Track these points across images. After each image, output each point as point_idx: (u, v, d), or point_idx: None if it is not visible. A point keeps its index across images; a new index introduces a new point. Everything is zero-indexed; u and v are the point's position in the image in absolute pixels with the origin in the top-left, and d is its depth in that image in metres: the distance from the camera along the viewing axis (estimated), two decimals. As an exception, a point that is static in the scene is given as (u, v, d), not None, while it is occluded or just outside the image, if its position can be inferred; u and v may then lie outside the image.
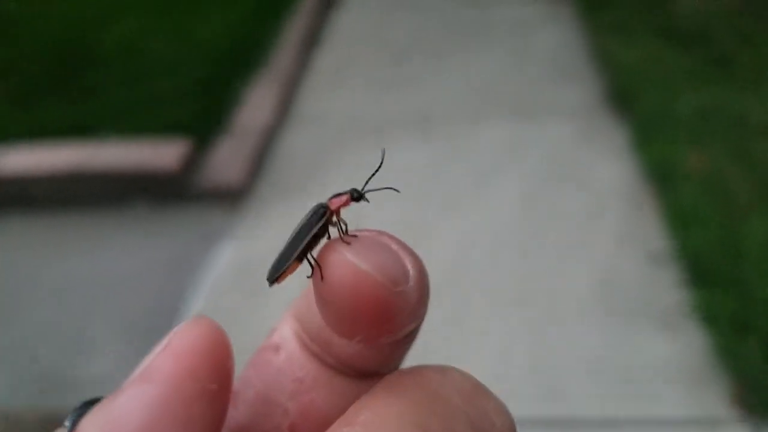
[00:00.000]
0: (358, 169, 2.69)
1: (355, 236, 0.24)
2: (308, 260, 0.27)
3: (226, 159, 2.68)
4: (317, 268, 0.24)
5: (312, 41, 3.61)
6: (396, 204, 2.43)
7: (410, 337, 0.25)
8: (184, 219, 2.54)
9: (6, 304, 2.27)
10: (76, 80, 3.19)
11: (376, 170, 0.32)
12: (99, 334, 2.18)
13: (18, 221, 2.65)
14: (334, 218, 0.28)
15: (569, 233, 2.19)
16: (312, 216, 0.28)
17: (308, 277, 0.25)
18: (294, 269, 0.28)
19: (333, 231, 0.28)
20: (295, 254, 0.27)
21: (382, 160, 0.34)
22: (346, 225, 0.27)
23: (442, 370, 0.24)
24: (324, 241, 0.27)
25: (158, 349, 0.23)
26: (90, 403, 0.23)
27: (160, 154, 2.62)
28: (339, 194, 0.29)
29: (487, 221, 2.30)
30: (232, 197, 2.56)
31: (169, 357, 0.23)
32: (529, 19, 3.73)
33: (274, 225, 2.40)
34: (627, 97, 2.78)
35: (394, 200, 2.30)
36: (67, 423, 0.23)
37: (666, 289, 1.91)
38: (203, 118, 2.87)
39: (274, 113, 2.97)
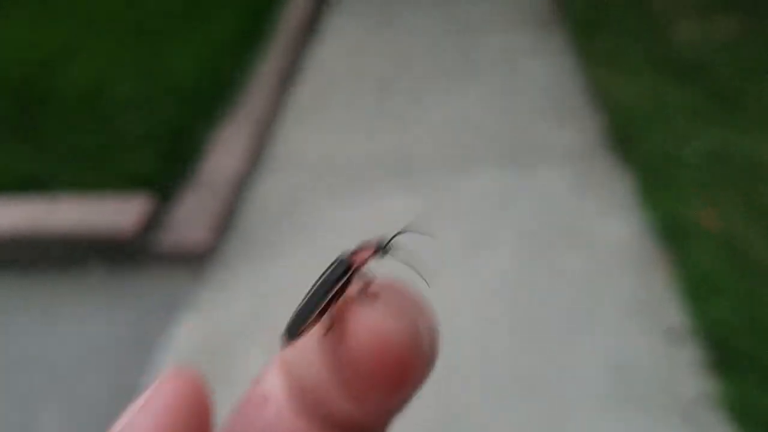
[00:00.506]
0: (333, 222, 2.48)
1: (377, 293, 0.24)
2: (331, 319, 0.25)
3: (191, 215, 2.42)
4: (339, 327, 0.23)
5: (288, 75, 3.36)
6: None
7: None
8: (143, 286, 2.28)
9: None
10: (32, 126, 2.92)
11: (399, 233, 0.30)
12: (48, 424, 1.92)
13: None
14: (357, 273, 0.27)
15: (572, 303, 1.97)
16: (334, 270, 0.27)
17: (323, 335, 0.24)
18: (312, 327, 0.26)
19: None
20: (316, 311, 0.26)
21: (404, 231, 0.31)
22: (369, 281, 0.25)
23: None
24: (344, 297, 0.26)
25: (137, 405, 0.22)
26: None
27: (119, 212, 2.36)
28: (363, 247, 0.28)
29: (477, 290, 2.07)
30: (196, 260, 2.31)
31: (147, 415, 0.22)
32: (517, 47, 3.52)
33: (240, 293, 2.16)
34: (627, 139, 2.57)
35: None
36: None
37: (687, 373, 1.69)
38: (167, 167, 2.61)
39: (244, 159, 2.72)
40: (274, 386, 0.26)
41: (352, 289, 0.26)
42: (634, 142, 2.53)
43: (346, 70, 3.47)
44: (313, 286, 0.27)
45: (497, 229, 2.30)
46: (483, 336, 1.91)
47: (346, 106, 3.15)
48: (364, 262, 0.28)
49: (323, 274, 0.27)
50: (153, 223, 2.37)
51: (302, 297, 0.27)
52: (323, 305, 0.26)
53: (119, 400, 1.90)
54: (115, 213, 2.36)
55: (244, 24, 3.69)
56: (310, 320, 0.26)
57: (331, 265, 0.28)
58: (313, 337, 0.24)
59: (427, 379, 0.24)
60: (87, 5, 4.05)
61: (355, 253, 0.28)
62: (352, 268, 0.27)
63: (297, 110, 3.15)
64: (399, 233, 0.30)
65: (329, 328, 0.24)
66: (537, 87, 3.13)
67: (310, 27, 3.90)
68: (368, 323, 0.22)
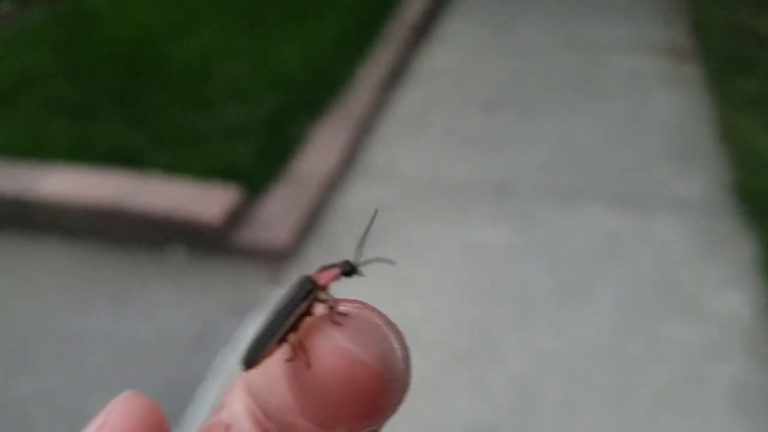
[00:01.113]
0: (416, 244, 2.35)
1: (345, 315, 0.23)
2: (289, 342, 0.24)
3: (276, 214, 2.37)
4: (303, 353, 0.22)
5: (392, 81, 3.25)
6: (454, 300, 2.06)
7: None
8: (220, 279, 2.25)
9: (7, 356, 2.04)
10: (134, 100, 2.98)
11: (365, 234, 0.29)
12: (96, 410, 1.92)
13: (47, 250, 2.44)
14: (322, 294, 0.25)
15: (669, 381, 1.75)
16: (297, 291, 0.25)
17: (287, 361, 0.23)
18: (273, 352, 0.24)
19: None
20: (277, 335, 0.24)
21: (371, 223, 0.31)
22: (334, 302, 0.24)
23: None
24: (308, 319, 0.24)
25: (92, 427, 0.22)
26: None
27: (205, 200, 2.35)
28: (327, 266, 0.27)
29: (563, 345, 1.88)
30: (276, 260, 2.25)
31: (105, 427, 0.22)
32: (644, 76, 3.23)
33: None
34: (761, 198, 2.27)
35: (455, 292, 1.91)
36: None
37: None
38: (260, 161, 2.57)
39: (337, 163, 2.63)
40: (236, 413, 0.25)
41: (317, 311, 0.24)
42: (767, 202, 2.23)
43: (453, 80, 3.31)
44: (276, 306, 0.26)
45: (597, 279, 2.09)
46: (566, 396, 1.74)
47: (447, 120, 2.99)
48: (329, 282, 0.26)
49: (285, 294, 0.26)
50: (238, 216, 2.33)
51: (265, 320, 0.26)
52: (284, 330, 0.24)
53: (173, 396, 1.87)
54: (201, 200, 2.34)
55: (355, 23, 3.61)
56: (269, 345, 0.25)
57: (293, 286, 0.26)
58: (277, 361, 0.23)
59: (399, 405, 0.22)
60: None
61: (319, 272, 0.26)
62: (316, 289, 0.26)
63: (397, 119, 3.03)
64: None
65: (294, 353, 0.23)
66: (662, 123, 2.85)
67: (422, 31, 3.76)
68: (334, 348, 0.22)
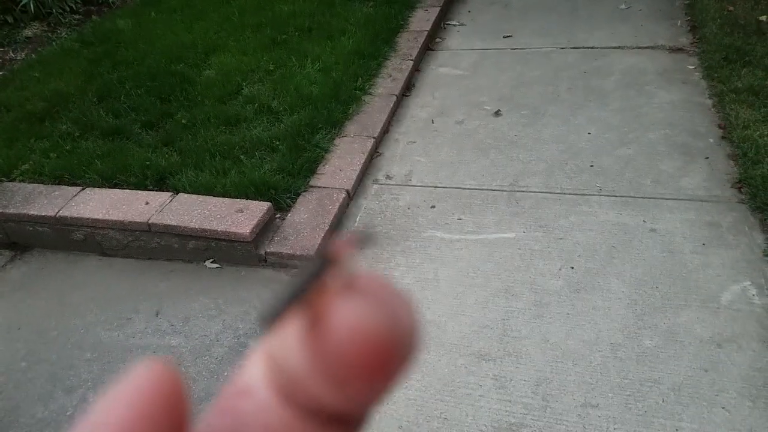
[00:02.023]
0: (435, 250, 2.45)
1: (357, 282, 0.24)
2: (311, 307, 0.24)
3: (303, 224, 2.49)
4: (319, 317, 0.23)
5: (405, 91, 3.37)
6: (474, 300, 2.16)
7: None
8: (252, 290, 2.37)
9: (50, 374, 2.16)
10: (166, 118, 3.10)
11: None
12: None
13: (86, 268, 2.57)
14: (339, 263, 0.25)
15: (685, 374, 1.84)
16: (315, 260, 0.26)
17: (305, 327, 0.23)
18: (291, 314, 0.25)
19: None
20: (295, 299, 0.25)
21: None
22: (349, 272, 0.25)
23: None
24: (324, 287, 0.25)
25: (110, 397, 0.22)
26: None
27: (236, 215, 2.46)
28: (345, 236, 0.27)
29: (578, 342, 1.98)
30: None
31: (121, 403, 0.22)
32: (645, 73, 3.33)
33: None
34: (764, 189, 2.37)
35: (474, 292, 2.00)
36: None
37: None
38: (287, 173, 2.69)
39: (359, 173, 2.75)
40: (255, 376, 0.26)
41: (333, 281, 0.26)
42: (773, 195, 2.33)
43: (461, 89, 3.42)
44: (297, 275, 0.27)
45: (609, 276, 2.19)
46: (586, 393, 1.84)
47: (458, 128, 3.10)
48: (345, 254, 0.27)
49: (306, 265, 0.27)
50: (267, 229, 2.46)
51: None
52: (301, 295, 0.26)
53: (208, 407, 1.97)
54: (232, 215, 2.46)
55: (368, 38, 3.73)
56: (286, 310, 0.26)
57: (314, 257, 0.27)
58: (295, 327, 0.24)
59: (409, 368, 0.24)
60: (234, 16, 4.24)
61: (336, 245, 0.27)
62: (332, 260, 0.27)
63: (412, 128, 3.14)
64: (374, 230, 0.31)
65: (310, 321, 0.24)
66: (666, 119, 2.94)
67: (431, 43, 3.89)
68: (350, 311, 0.23)
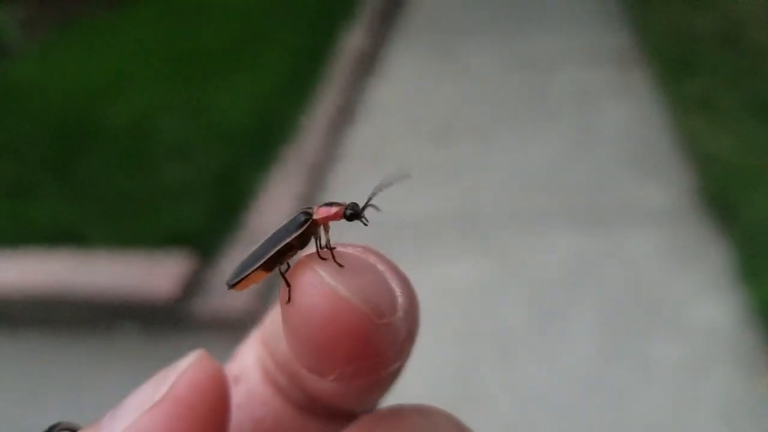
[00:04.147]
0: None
1: (333, 251, 0.22)
2: (281, 275, 0.23)
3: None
4: (286, 287, 0.21)
5: (342, 120, 3.17)
6: (433, 341, 1.96)
7: (393, 375, 0.23)
8: (178, 356, 2.11)
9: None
10: (70, 168, 2.84)
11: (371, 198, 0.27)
12: None
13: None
14: (319, 230, 0.24)
15: (659, 403, 1.68)
16: (291, 222, 0.25)
17: (283, 301, 0.22)
18: (258, 279, 0.25)
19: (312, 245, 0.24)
20: (261, 261, 0.24)
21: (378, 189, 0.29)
22: (329, 241, 0.24)
23: (423, 412, 0.22)
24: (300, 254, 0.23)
25: (157, 392, 0.22)
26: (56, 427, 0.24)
27: (156, 271, 2.22)
28: (331, 203, 0.26)
29: (546, 379, 1.80)
30: (239, 328, 2.11)
31: (169, 401, 0.22)
32: (594, 87, 3.22)
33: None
34: (724, 202, 2.24)
35: (430, 336, 1.80)
36: None
37: None
38: (211, 220, 2.46)
39: (293, 212, 2.53)
40: (247, 364, 0.25)
41: (310, 248, 0.23)
42: (733, 206, 2.20)
43: (402, 113, 3.26)
44: (267, 237, 0.24)
45: (573, 305, 2.02)
46: (562, 424, 1.65)
47: (402, 155, 2.92)
48: (328, 220, 0.25)
49: (280, 224, 0.25)
50: (192, 284, 2.21)
51: None
52: (268, 258, 0.24)
53: None
54: (151, 272, 2.21)
55: (297, 64, 3.54)
56: (251, 271, 0.24)
57: (290, 217, 0.25)
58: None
59: (406, 355, 0.22)
60: (137, 41, 4.01)
61: (320, 207, 0.25)
62: (312, 224, 0.24)
63: (351, 159, 2.95)
64: (374, 195, 0.27)
65: (282, 297, 0.21)
66: (618, 134, 2.83)
67: (366, 66, 3.71)
68: (314, 283, 0.20)
